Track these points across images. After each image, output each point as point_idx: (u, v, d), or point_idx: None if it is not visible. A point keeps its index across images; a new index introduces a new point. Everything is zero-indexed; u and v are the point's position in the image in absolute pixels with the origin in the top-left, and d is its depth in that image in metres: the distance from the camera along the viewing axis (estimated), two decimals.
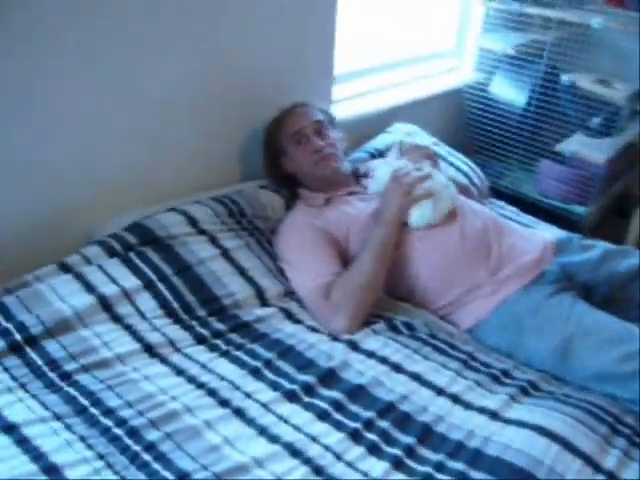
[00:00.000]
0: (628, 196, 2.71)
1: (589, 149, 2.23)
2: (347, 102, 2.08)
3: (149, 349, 1.18)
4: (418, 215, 1.38)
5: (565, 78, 2.16)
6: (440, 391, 1.15)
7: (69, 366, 1.11)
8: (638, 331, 1.17)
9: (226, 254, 1.38)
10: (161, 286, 1.27)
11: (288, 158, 1.56)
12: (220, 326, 1.27)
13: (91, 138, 1.38)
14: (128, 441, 0.99)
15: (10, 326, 1.15)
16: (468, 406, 1.11)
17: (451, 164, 1.97)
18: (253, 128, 1.69)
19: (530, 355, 1.24)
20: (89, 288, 1.23)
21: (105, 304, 1.22)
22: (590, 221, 2.37)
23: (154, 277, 1.28)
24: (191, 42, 1.48)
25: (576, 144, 2.29)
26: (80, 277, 1.25)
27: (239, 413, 1.06)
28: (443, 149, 2.03)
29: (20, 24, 1.19)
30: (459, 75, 2.54)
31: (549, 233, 1.55)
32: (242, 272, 1.37)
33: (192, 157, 1.61)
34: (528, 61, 2.37)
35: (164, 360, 1.17)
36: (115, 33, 1.33)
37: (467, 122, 2.59)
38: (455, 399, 1.13)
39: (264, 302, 1.36)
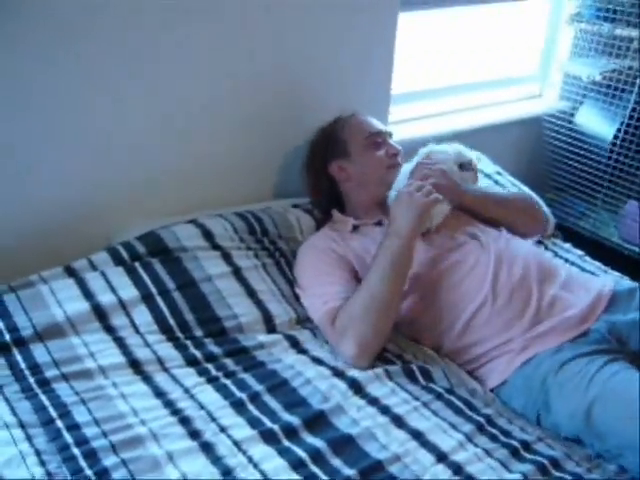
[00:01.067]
0: None
1: None
2: (408, 123, 1.97)
3: (135, 365, 1.12)
4: None
5: None
6: (442, 457, 0.99)
7: (50, 372, 1.08)
8: None
9: (238, 273, 1.31)
10: (160, 300, 1.22)
11: (347, 161, 1.44)
12: (216, 349, 1.19)
13: (121, 144, 1.38)
14: (82, 463, 0.92)
15: (2, 326, 1.14)
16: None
17: None
18: (296, 145, 1.61)
19: (555, 419, 1.07)
20: (87, 295, 1.20)
21: (100, 313, 1.18)
22: None
23: (154, 290, 1.23)
24: (239, 55, 1.45)
25: None
26: (81, 282, 1.22)
27: (207, 449, 0.97)
28: (505, 179, 1.86)
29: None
30: (541, 102, 2.35)
31: (611, 280, 1.31)
32: (252, 294, 1.29)
33: (228, 170, 1.56)
34: (619, 90, 2.14)
35: (147, 379, 1.11)
36: (160, 44, 1.34)
37: (546, 154, 2.38)
38: (457, 470, 0.97)
39: (271, 329, 1.27)
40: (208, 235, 1.35)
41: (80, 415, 1.01)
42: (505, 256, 1.25)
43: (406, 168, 1.42)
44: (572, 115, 2.31)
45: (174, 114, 1.42)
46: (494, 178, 1.84)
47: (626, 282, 1.38)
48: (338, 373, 1.15)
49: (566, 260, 1.65)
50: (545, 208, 1.80)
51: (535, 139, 2.39)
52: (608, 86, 2.14)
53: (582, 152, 2.26)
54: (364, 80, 1.72)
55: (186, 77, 1.40)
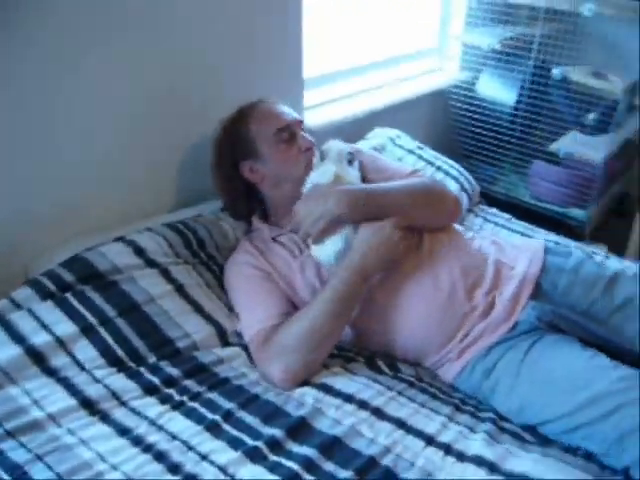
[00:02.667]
0: (627, 196, 2.61)
1: (585, 148, 2.13)
2: (321, 108, 1.97)
3: (88, 405, 1.04)
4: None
5: (556, 72, 2.06)
6: (430, 440, 1.02)
7: None
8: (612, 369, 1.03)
9: (181, 290, 1.25)
10: (102, 330, 1.14)
11: (259, 162, 1.34)
12: (174, 371, 1.13)
13: (22, 165, 1.25)
14: None
15: None
16: (462, 457, 0.98)
17: (438, 168, 1.86)
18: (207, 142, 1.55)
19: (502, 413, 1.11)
20: (17, 338, 1.09)
21: (36, 356, 1.08)
22: (590, 225, 2.26)
23: (94, 320, 1.14)
24: (131, 50, 1.35)
25: (571, 143, 2.19)
26: (7, 325, 1.11)
27: None
28: (427, 153, 1.93)
29: None
30: (443, 75, 2.44)
31: (538, 257, 1.26)
32: (200, 310, 1.24)
33: (140, 178, 1.48)
34: (516, 56, 2.27)
35: (105, 417, 1.03)
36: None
37: (453, 124, 2.48)
38: (447, 450, 1.00)
39: (226, 342, 1.23)
40: (141, 252, 1.27)
41: (40, 473, 0.91)
42: (429, 273, 1.21)
43: (321, 165, 1.32)
44: (474, 84, 2.42)
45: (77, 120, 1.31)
46: (417, 153, 1.90)
47: (557, 249, 1.36)
48: (306, 381, 1.14)
49: (495, 224, 1.75)
50: (451, 191, 1.87)
51: (442, 111, 2.48)
52: (507, 54, 2.26)
53: (486, 119, 2.39)
54: (275, 67, 1.69)
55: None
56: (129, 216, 1.44)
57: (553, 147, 2.18)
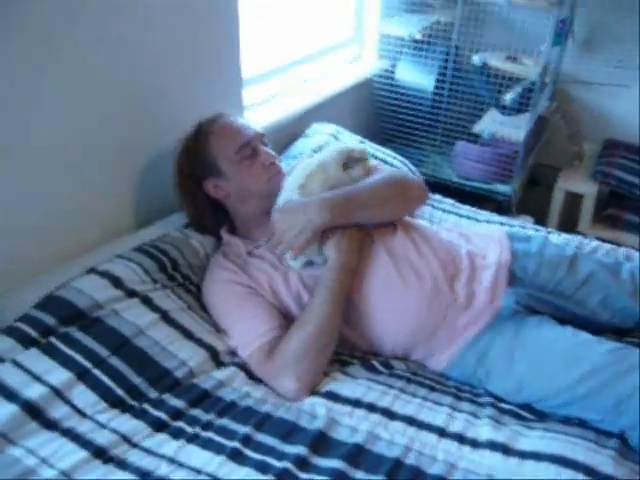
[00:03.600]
0: (539, 166, 2.83)
1: (507, 127, 2.27)
2: (257, 107, 1.95)
3: (100, 454, 1.00)
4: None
5: (476, 58, 2.18)
6: (442, 432, 1.08)
7: None
8: (596, 344, 1.14)
9: (166, 317, 1.22)
10: (98, 372, 1.09)
11: (222, 180, 1.35)
12: (178, 403, 1.11)
13: None
14: None
15: None
16: (476, 444, 1.06)
17: (383, 161, 1.92)
18: (158, 154, 1.51)
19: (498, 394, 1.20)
20: (8, 395, 1.03)
21: (33, 410, 1.02)
22: (515, 199, 2.43)
23: (87, 364, 1.09)
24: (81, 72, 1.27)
25: (492, 123, 2.33)
26: None
27: None
28: (369, 146, 1.98)
29: None
30: (363, 64, 2.49)
31: (504, 238, 1.40)
32: (189, 335, 1.22)
33: (96, 200, 1.41)
34: (433, 44, 2.36)
35: (122, 463, 1.00)
36: None
37: (378, 112, 2.56)
38: (460, 439, 1.07)
39: (220, 363, 1.23)
40: (118, 283, 1.23)
41: None
42: (410, 267, 1.26)
43: (294, 175, 1.31)
44: (393, 72, 2.49)
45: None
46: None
47: (518, 234, 1.49)
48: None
49: (443, 210, 1.85)
50: (415, 176, 1.96)
51: (366, 100, 2.54)
52: (422, 42, 2.35)
53: (408, 104, 2.48)
54: (214, 68, 1.65)
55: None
56: (89, 242, 1.38)
57: (476, 128, 2.31)
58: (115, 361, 1.12)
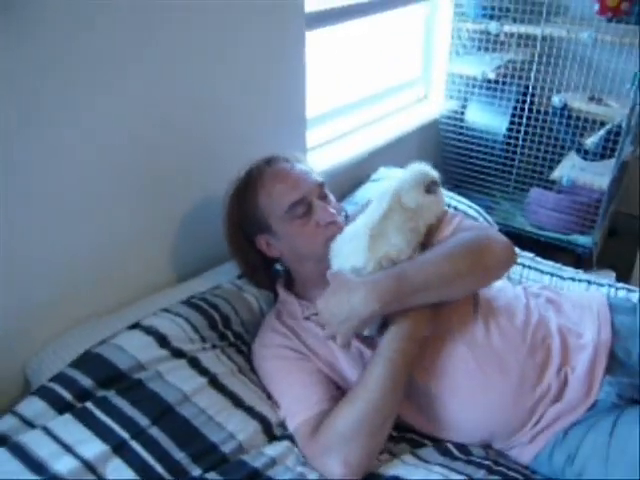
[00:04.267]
0: (619, 214, 2.61)
1: (589, 174, 2.10)
2: (321, 149, 1.86)
3: None
4: None
5: (556, 99, 2.02)
6: None
7: None
8: None
9: (215, 382, 1.10)
10: (136, 445, 0.97)
11: (274, 238, 1.20)
12: None
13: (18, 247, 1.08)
14: None
15: None
16: None
17: (455, 209, 1.78)
18: (210, 197, 1.40)
19: None
20: (34, 466, 0.91)
21: None
22: (596, 251, 2.22)
23: (125, 434, 0.97)
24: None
25: (572, 169, 2.15)
26: (20, 451, 0.93)
27: None
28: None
29: None
30: (431, 105, 2.37)
31: (604, 315, 1.17)
32: (239, 403, 1.09)
33: (143, 246, 1.32)
34: (506, 83, 2.23)
35: None
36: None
37: (444, 155, 2.42)
38: None
39: (272, 436, 1.08)
40: (164, 341, 1.12)
41: None
42: (494, 358, 1.07)
43: (358, 227, 1.09)
44: (462, 114, 2.37)
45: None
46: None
47: (620, 303, 1.24)
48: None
49: (522, 265, 1.67)
50: (499, 236, 1.80)
51: (432, 142, 2.42)
52: (496, 81, 2.22)
53: (478, 148, 2.33)
54: (279, 107, 1.57)
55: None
56: (133, 293, 1.28)
57: (555, 174, 2.14)
58: (156, 432, 0.99)
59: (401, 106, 2.28)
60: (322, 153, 1.84)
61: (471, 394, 1.06)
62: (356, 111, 2.07)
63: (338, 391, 1.10)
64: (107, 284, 1.26)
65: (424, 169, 1.14)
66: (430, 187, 1.11)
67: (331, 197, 1.23)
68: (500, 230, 2.18)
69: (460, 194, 2.07)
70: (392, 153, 2.11)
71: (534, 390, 1.05)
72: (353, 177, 1.89)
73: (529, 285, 1.34)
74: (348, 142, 1.95)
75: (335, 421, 1.01)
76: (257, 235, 1.21)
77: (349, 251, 1.07)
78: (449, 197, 1.87)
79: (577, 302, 1.22)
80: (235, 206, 1.23)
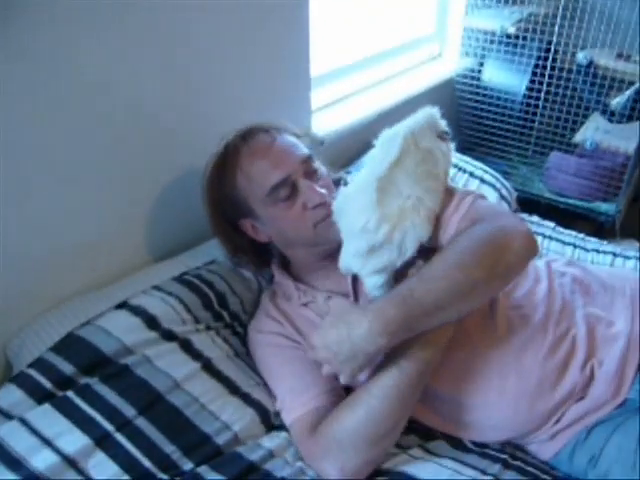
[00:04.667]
0: None
1: (615, 137, 1.96)
2: (328, 110, 1.75)
3: None
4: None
5: (581, 56, 1.88)
6: None
7: None
8: None
9: (209, 366, 1.02)
10: (121, 438, 0.90)
11: (261, 222, 1.07)
12: (218, 478, 0.90)
13: None
14: None
15: None
16: None
17: (471, 174, 1.67)
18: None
19: None
20: (11, 462, 0.84)
21: None
22: (620, 219, 2.11)
23: (109, 426, 0.90)
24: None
25: (596, 132, 2.02)
26: None
27: None
28: (455, 157, 1.72)
29: None
30: (446, 63, 2.23)
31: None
32: (235, 390, 1.01)
33: (130, 222, 1.22)
34: (526, 39, 2.08)
35: None
36: None
37: (459, 117, 2.29)
38: None
39: (270, 426, 1.01)
40: (153, 322, 1.03)
41: None
42: (511, 361, 0.97)
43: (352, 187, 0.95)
44: (479, 72, 2.22)
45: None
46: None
47: None
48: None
49: (543, 236, 1.57)
50: (506, 184, 1.69)
51: (446, 102, 2.28)
52: (516, 37, 2.07)
53: (495, 108, 2.20)
54: (280, 64, 1.44)
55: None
56: (123, 268, 1.19)
57: (577, 137, 2.01)
58: (143, 423, 0.92)
59: (413, 64, 2.15)
60: (328, 114, 1.72)
61: (486, 395, 0.96)
62: (365, 70, 1.94)
63: (337, 382, 1.02)
64: (91, 263, 1.16)
65: (436, 113, 1.02)
66: (442, 135, 1.00)
67: (321, 170, 1.07)
68: (518, 197, 2.10)
69: (476, 158, 1.96)
70: (403, 115, 1.97)
71: (553, 391, 0.95)
72: (360, 141, 1.77)
73: (553, 259, 1.23)
74: (356, 103, 1.82)
75: (333, 425, 0.91)
76: (240, 219, 1.08)
77: (356, 209, 0.92)
78: (464, 161, 1.76)
79: (608, 283, 1.11)
80: (213, 189, 1.08)
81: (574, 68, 1.96)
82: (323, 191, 1.01)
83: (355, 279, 1.04)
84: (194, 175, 1.15)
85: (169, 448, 0.91)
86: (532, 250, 0.92)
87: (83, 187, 1.09)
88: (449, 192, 0.98)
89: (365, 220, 0.90)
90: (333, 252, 1.00)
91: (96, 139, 1.08)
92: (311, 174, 1.04)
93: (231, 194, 1.05)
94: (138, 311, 1.04)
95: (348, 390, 0.98)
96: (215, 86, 1.29)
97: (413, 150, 0.93)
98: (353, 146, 1.77)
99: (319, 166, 1.07)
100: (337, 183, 1.10)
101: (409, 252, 0.91)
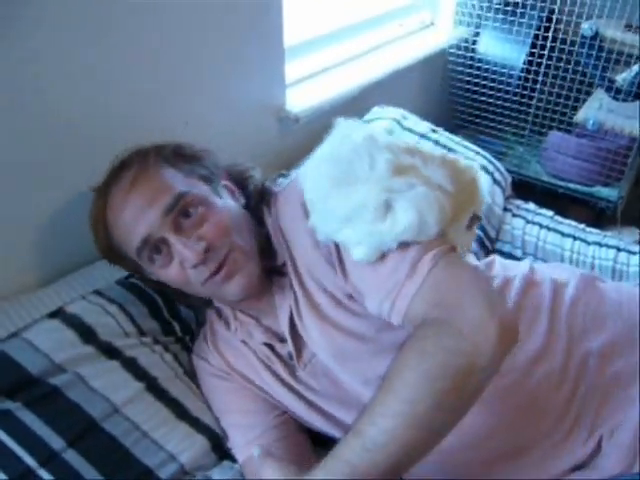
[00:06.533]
0: None
1: (619, 116, 1.84)
2: (304, 84, 1.60)
3: None
4: None
5: (586, 27, 1.73)
6: None
7: None
8: None
9: (154, 387, 0.91)
10: (46, 475, 0.78)
11: (150, 274, 0.91)
12: None
13: None
14: None
15: None
16: None
17: (461, 154, 1.55)
18: None
19: None
20: None
21: None
22: (621, 206, 1.99)
23: (32, 461, 0.79)
24: None
25: (599, 110, 1.89)
26: None
27: None
28: (444, 137, 1.61)
29: None
30: (437, 33, 2.09)
31: None
32: (184, 413, 0.91)
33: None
34: (525, 7, 1.93)
35: None
36: None
37: (451, 92, 2.15)
38: None
39: (223, 453, 0.91)
40: (89, 334, 0.91)
41: None
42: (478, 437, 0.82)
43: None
44: (474, 43, 2.08)
45: None
46: (432, 138, 1.58)
47: None
48: None
49: (540, 226, 1.46)
50: (500, 167, 1.58)
51: (439, 76, 2.15)
52: (515, 4, 1.93)
53: (490, 83, 2.06)
54: (248, 33, 1.30)
55: None
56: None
57: (579, 116, 1.88)
58: (72, 456, 0.81)
59: (402, 34, 2.00)
60: (305, 89, 1.58)
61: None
62: (348, 39, 1.79)
63: (283, 411, 0.91)
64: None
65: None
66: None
67: (207, 206, 0.85)
68: (513, 180, 1.98)
69: (468, 137, 1.84)
70: (390, 89, 1.85)
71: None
72: (353, 115, 1.65)
73: (556, 267, 1.08)
74: (337, 76, 1.68)
75: None
76: (138, 268, 0.92)
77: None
78: (454, 142, 1.64)
79: (621, 314, 0.91)
80: (100, 241, 0.90)
81: (578, 40, 1.82)
82: (200, 246, 0.81)
83: (293, 323, 0.87)
84: None
85: None
86: (506, 346, 0.68)
87: None
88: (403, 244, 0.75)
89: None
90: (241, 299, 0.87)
91: None
92: (181, 224, 0.84)
93: (114, 247, 0.89)
94: (73, 322, 0.91)
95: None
96: (176, 60, 1.15)
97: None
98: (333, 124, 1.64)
99: (203, 198, 0.86)
100: (244, 179, 0.95)
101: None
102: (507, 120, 2.09)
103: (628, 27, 1.80)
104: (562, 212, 1.58)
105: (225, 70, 1.27)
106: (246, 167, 0.99)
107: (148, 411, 0.88)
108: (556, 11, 1.85)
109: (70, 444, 0.81)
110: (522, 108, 2.05)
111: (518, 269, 1.01)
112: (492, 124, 2.11)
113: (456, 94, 2.14)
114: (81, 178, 0.94)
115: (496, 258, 1.10)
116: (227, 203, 0.89)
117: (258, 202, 0.93)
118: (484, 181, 1.48)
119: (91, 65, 0.99)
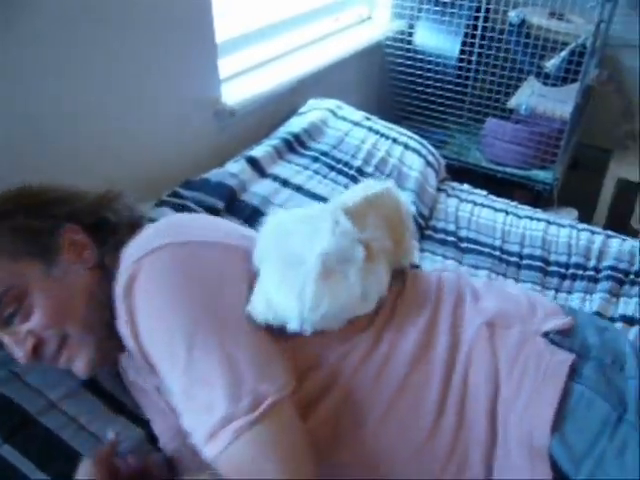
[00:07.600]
0: (580, 146, 2.46)
1: (550, 101, 1.91)
2: (239, 79, 1.62)
3: None
4: None
5: (513, 15, 1.80)
6: None
7: None
8: None
9: (91, 384, 0.91)
10: None
11: None
12: None
13: None
14: None
15: None
16: None
17: (394, 140, 1.60)
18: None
19: None
20: None
21: None
22: (557, 187, 2.07)
23: None
24: None
25: (531, 96, 1.97)
26: None
27: None
28: (378, 124, 1.66)
29: None
30: (374, 26, 2.13)
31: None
32: (120, 409, 0.92)
33: None
34: None
35: None
36: None
37: (390, 83, 2.20)
38: None
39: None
40: None
41: None
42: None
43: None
44: (410, 35, 2.13)
45: None
46: (365, 125, 1.63)
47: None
48: None
49: (474, 204, 1.52)
50: (433, 151, 1.62)
51: (378, 68, 2.19)
52: None
53: (428, 74, 2.12)
54: (181, 34, 1.32)
55: None
56: None
57: (512, 102, 1.96)
58: (8, 451, 0.81)
59: (339, 27, 2.03)
60: (242, 83, 1.59)
61: None
62: (285, 33, 1.82)
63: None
64: None
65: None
66: None
67: (36, 291, 0.77)
68: (453, 166, 2.05)
69: (409, 128, 1.89)
70: (328, 83, 1.89)
71: None
72: (280, 110, 1.68)
73: (459, 281, 0.93)
74: (274, 70, 1.70)
75: None
76: None
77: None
78: (397, 132, 1.68)
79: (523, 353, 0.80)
80: None
81: (506, 28, 1.89)
82: (29, 343, 0.77)
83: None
84: None
85: (40, 477, 0.80)
86: None
87: None
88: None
89: None
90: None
91: None
92: (9, 319, 0.77)
93: None
94: None
95: None
96: (107, 62, 1.15)
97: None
98: (268, 117, 1.66)
99: (30, 289, 0.77)
100: (137, 225, 0.87)
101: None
102: (446, 109, 2.15)
103: (552, 14, 1.88)
104: (507, 197, 1.65)
105: (157, 68, 1.28)
106: (115, 195, 0.89)
107: (85, 406, 0.88)
108: (485, 1, 1.91)
109: (5, 440, 0.81)
110: (459, 97, 2.12)
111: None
112: (432, 114, 2.16)
113: (396, 86, 2.19)
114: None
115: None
116: (60, 279, 0.79)
117: (124, 235, 0.82)
118: (417, 163, 1.53)
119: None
